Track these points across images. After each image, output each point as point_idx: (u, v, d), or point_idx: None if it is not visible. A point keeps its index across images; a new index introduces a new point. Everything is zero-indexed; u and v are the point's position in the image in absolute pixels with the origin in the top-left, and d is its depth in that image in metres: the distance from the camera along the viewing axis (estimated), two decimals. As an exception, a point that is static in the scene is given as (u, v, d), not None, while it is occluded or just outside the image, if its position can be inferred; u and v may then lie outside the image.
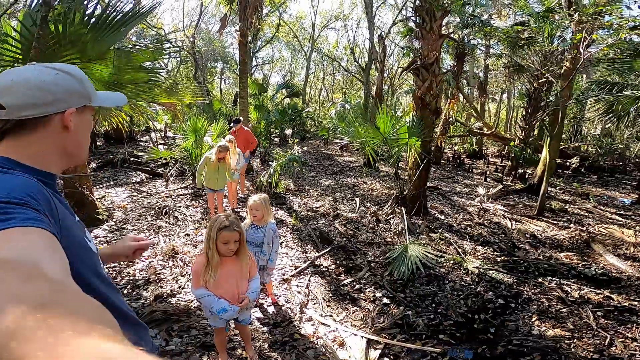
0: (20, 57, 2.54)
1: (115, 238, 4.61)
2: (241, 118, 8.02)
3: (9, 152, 0.80)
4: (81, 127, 0.89)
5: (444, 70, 6.87)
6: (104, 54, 2.94)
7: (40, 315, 0.34)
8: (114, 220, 5.16)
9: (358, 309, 3.35)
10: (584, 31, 5.85)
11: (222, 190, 5.30)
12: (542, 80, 9.74)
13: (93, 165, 8.90)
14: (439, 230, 5.51)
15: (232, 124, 7.54)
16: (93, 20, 2.64)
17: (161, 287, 3.33)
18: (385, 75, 16.55)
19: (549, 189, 7.48)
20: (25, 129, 0.80)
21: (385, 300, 3.48)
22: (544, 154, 8.09)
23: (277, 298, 3.41)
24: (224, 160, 5.12)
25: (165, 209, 5.59)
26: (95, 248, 0.90)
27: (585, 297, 3.76)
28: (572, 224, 6.17)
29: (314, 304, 3.38)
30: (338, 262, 4.30)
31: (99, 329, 0.34)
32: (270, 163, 9.02)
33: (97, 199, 5.69)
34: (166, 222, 5.28)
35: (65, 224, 0.76)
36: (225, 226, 1.93)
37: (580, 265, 4.52)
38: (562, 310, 3.52)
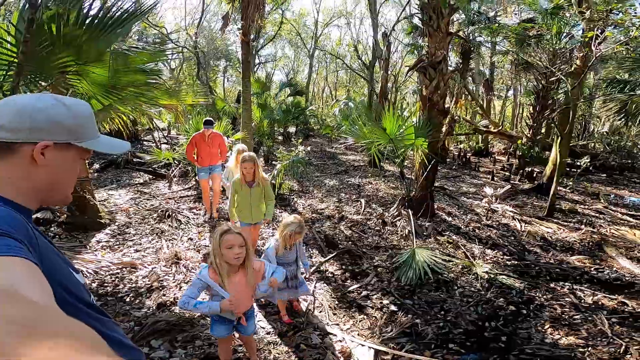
0: (16, 60, 2.47)
1: (118, 242, 4.55)
2: (212, 119, 5.97)
3: None
4: (58, 165, 0.81)
5: (451, 69, 6.72)
6: (101, 56, 2.85)
7: (29, 331, 0.34)
8: (117, 224, 5.09)
9: (365, 317, 3.26)
10: (595, 29, 5.72)
11: (260, 223, 4.02)
12: (551, 79, 9.58)
13: (96, 166, 8.85)
14: (447, 233, 5.40)
15: (204, 126, 5.59)
16: (88, 20, 2.55)
17: (164, 295, 3.26)
18: (389, 72, 16.39)
19: (558, 188, 7.34)
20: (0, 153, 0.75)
21: (393, 308, 3.39)
22: (554, 153, 7.94)
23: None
24: (256, 178, 3.68)
25: (168, 212, 5.52)
26: (82, 279, 0.85)
27: (599, 302, 3.66)
28: (583, 226, 6.04)
29: (320, 312, 3.29)
30: (344, 267, 4.21)
31: (95, 347, 0.36)
32: (274, 163, 8.93)
33: (99, 201, 5.62)
34: (169, 225, 5.21)
35: (48, 256, 0.74)
36: (225, 230, 1.97)
37: (592, 269, 4.41)
38: (576, 317, 3.42)
